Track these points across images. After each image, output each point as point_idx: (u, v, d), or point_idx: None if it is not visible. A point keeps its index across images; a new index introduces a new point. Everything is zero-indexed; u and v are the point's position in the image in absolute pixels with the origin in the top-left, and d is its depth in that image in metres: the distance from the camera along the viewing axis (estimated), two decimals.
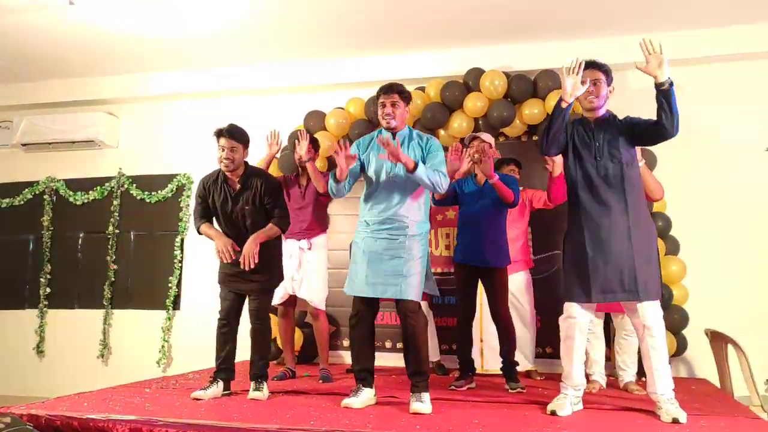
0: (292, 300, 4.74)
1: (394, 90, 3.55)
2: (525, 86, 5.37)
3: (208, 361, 4.09)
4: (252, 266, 3.69)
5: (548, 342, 5.18)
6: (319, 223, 4.75)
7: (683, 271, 5.00)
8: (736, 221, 5.19)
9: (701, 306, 5.01)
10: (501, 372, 4.30)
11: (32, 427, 2.99)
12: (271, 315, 5.34)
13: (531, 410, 3.40)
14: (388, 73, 5.79)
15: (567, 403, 3.31)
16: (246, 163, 3.93)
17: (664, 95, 3.15)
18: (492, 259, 4.21)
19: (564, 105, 3.31)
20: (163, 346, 6.23)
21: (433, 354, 4.95)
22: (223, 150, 3.79)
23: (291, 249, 4.66)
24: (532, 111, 5.33)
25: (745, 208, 5.19)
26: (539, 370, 4.85)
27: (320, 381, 4.48)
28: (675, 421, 3.04)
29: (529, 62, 5.57)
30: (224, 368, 3.85)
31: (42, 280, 6.62)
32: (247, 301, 3.94)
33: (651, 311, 3.23)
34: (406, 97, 3.59)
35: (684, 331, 4.95)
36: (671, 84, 3.16)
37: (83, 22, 5.26)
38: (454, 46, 5.66)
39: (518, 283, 4.77)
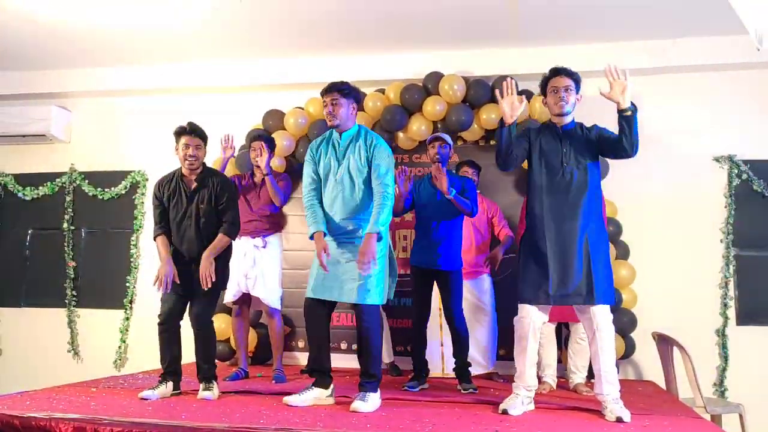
0: (246, 299, 4.69)
1: (333, 89, 3.53)
2: (483, 91, 5.42)
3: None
4: (209, 285, 3.66)
5: (503, 344, 5.22)
6: (273, 222, 4.72)
7: (632, 276, 5.12)
8: (684, 227, 5.33)
9: (649, 310, 5.13)
10: (453, 373, 4.33)
11: None
12: (224, 315, 5.31)
13: (482, 410, 3.44)
14: (348, 74, 5.74)
15: (518, 402, 3.36)
16: (204, 163, 3.92)
17: (626, 120, 3.23)
18: (445, 263, 4.26)
19: (506, 126, 3.37)
20: (120, 347, 6.10)
21: (387, 355, 4.96)
22: (188, 147, 3.77)
23: (245, 247, 4.62)
24: (490, 116, 5.38)
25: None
26: (500, 372, 4.90)
27: (274, 382, 4.43)
28: (619, 420, 3.12)
29: (487, 68, 5.64)
30: (171, 370, 3.79)
31: None
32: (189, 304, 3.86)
33: (602, 314, 3.30)
34: (347, 93, 3.54)
35: (632, 334, 5.07)
36: (634, 110, 3.23)
37: (34, 13, 5.11)
38: (414, 49, 5.69)
39: (483, 287, 4.83)
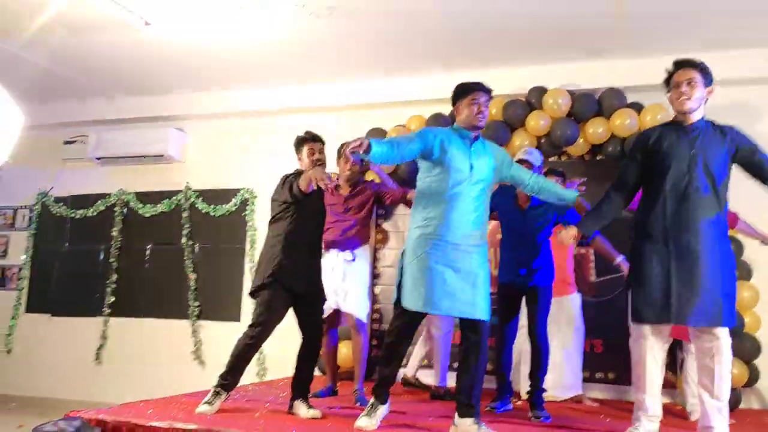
0: (334, 316, 4.53)
1: (490, 92, 3.51)
2: (589, 104, 5.28)
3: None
4: None
5: (610, 367, 5.02)
6: (361, 234, 4.53)
7: (756, 298, 4.78)
8: None
9: None
10: (528, 397, 4.03)
11: None
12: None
13: None
14: (449, 91, 5.79)
15: None
16: None
17: None
18: (536, 278, 4.02)
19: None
20: (258, 358, 6.13)
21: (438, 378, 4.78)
22: (314, 153, 3.88)
23: (333, 261, 4.45)
24: (597, 130, 5.23)
25: None
26: (600, 397, 4.76)
27: (357, 404, 4.11)
28: None
29: (593, 80, 5.47)
30: (232, 383, 3.73)
31: (108, 289, 6.84)
32: (300, 312, 3.81)
33: (725, 337, 3.03)
34: None
35: (756, 361, 4.72)
36: None
37: (157, 41, 5.47)
38: (517, 65, 5.62)
39: (576, 305, 4.68)
